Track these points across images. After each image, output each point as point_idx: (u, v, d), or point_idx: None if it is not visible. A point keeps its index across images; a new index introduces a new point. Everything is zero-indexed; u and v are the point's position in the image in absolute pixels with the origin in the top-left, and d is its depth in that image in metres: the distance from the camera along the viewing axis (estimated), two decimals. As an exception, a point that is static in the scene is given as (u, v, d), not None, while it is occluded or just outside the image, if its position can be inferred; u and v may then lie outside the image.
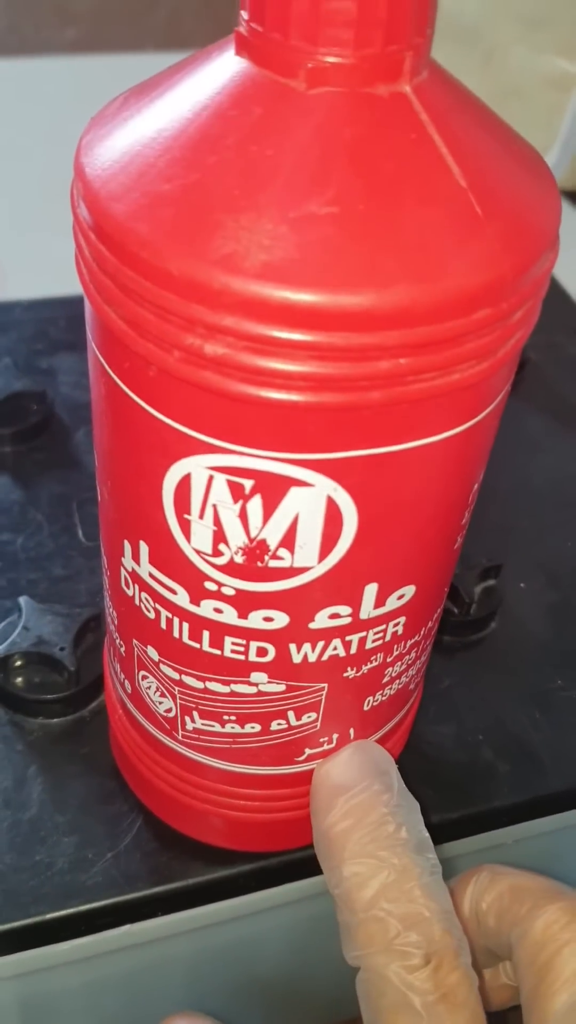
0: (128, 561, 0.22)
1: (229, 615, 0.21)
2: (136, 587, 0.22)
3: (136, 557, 0.21)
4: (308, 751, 0.24)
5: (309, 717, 0.23)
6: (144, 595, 0.22)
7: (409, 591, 0.21)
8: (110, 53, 0.84)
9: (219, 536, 0.19)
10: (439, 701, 0.33)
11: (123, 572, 0.22)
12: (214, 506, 0.19)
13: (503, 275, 0.16)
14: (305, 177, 0.16)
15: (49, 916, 0.27)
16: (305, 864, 0.29)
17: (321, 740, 0.24)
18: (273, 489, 0.18)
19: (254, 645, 0.21)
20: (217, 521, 0.19)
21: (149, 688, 0.24)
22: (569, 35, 0.73)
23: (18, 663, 0.31)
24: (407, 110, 0.16)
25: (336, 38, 0.15)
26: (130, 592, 0.22)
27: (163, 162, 0.16)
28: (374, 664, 0.23)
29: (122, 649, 0.25)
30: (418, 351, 0.16)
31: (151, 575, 0.21)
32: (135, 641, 0.23)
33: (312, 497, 0.18)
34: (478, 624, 0.35)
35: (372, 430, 0.17)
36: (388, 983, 0.21)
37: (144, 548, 0.21)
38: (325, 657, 0.22)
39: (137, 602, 0.22)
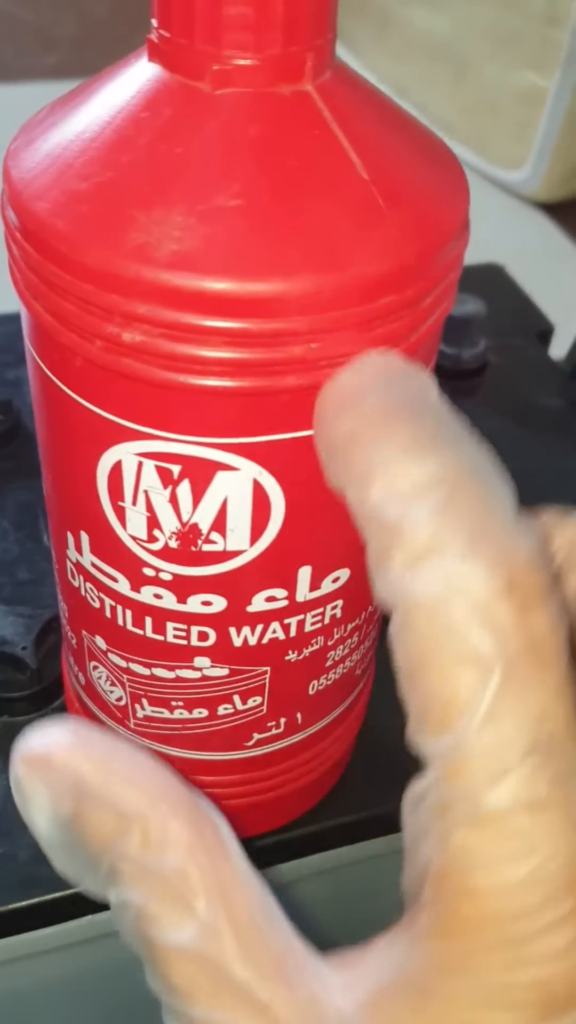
0: (72, 552, 0.22)
1: (168, 600, 0.21)
2: (81, 577, 0.23)
3: (79, 547, 0.22)
4: (256, 735, 0.25)
5: (255, 701, 0.24)
6: (88, 585, 0.23)
7: (344, 574, 0.22)
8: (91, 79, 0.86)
9: (152, 522, 0.20)
10: (394, 694, 0.34)
11: (68, 564, 0.23)
12: (145, 492, 0.19)
13: (405, 262, 0.17)
14: (212, 172, 0.16)
15: (12, 906, 0.28)
16: (264, 852, 0.29)
17: (269, 724, 0.25)
18: (200, 474, 0.19)
19: (195, 630, 0.22)
20: (149, 507, 0.20)
21: (100, 678, 0.25)
22: (539, 50, 0.74)
23: (-18, 664, 0.32)
24: (310, 108, 0.17)
25: (238, 41, 0.16)
26: (76, 583, 0.23)
27: (81, 162, 0.17)
28: (315, 647, 0.23)
29: (73, 641, 0.25)
30: (328, 336, 0.17)
31: (93, 564, 0.22)
32: (84, 632, 0.24)
33: (238, 481, 0.19)
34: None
35: (291, 414, 0.18)
36: (449, 622, 0.15)
37: (85, 538, 0.22)
38: (265, 640, 0.22)
39: (83, 592, 0.23)
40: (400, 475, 0.15)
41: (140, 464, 0.19)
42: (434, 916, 0.15)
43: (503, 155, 0.79)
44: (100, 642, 0.24)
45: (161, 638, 0.22)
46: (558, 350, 0.48)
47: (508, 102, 0.78)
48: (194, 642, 0.22)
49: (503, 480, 0.16)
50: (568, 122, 0.74)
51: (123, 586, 0.22)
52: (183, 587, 0.21)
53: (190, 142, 0.17)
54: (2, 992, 0.31)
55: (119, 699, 0.25)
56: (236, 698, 0.24)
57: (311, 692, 0.25)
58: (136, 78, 0.18)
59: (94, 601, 0.23)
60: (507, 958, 0.14)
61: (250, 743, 0.25)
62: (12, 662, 0.32)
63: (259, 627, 0.22)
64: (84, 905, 0.29)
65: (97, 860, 0.16)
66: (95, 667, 0.25)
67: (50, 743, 0.17)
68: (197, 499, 0.19)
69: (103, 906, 0.29)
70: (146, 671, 0.23)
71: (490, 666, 0.14)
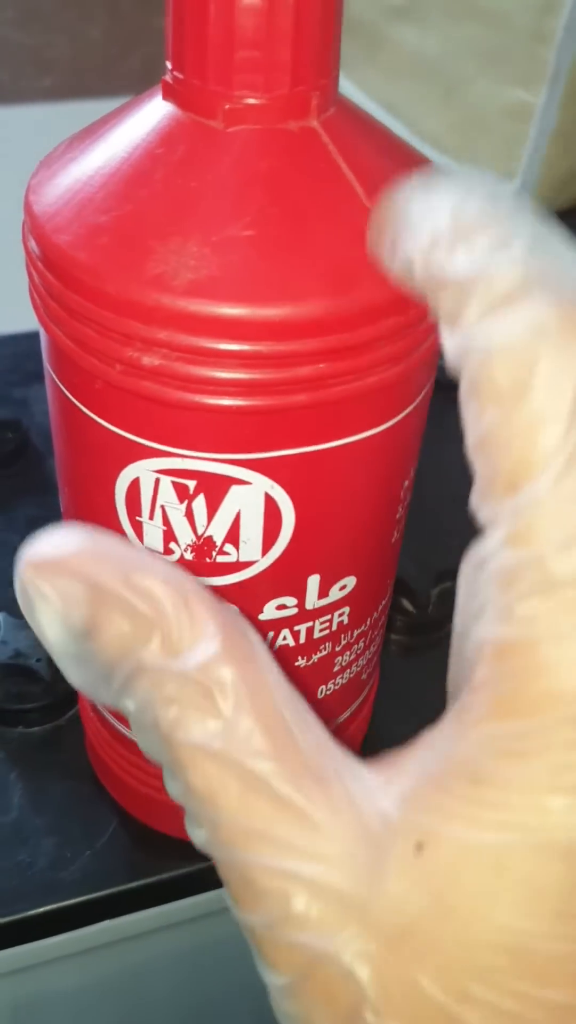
0: None
1: None
2: None
3: None
4: None
5: None
6: None
7: (351, 582, 0.23)
8: (86, 100, 0.87)
9: (169, 535, 0.21)
10: (399, 700, 0.34)
11: None
12: (162, 507, 0.20)
13: None
14: (225, 205, 0.18)
15: (31, 912, 0.29)
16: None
17: None
18: (215, 488, 0.20)
19: None
20: (166, 521, 0.21)
21: None
22: (526, 67, 0.75)
23: (-3, 676, 0.33)
24: (316, 142, 0.18)
25: (248, 82, 0.18)
26: None
27: (100, 196, 0.18)
28: (323, 653, 0.24)
29: None
30: (335, 356, 0.18)
31: None
32: None
33: (251, 494, 0.20)
34: (437, 624, 0.36)
35: (300, 430, 0.19)
36: (532, 374, 0.14)
37: None
38: (276, 647, 0.23)
39: None
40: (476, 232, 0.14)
41: (157, 480, 0.20)
42: (493, 696, 0.14)
43: (492, 169, 0.80)
44: None
45: None
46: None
47: (496, 118, 0.79)
48: None
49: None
50: (556, 137, 0.75)
51: None
52: (198, 597, 0.22)
53: (204, 176, 0.18)
54: (21, 997, 0.32)
55: None
56: None
57: (319, 696, 0.25)
58: (151, 116, 0.19)
59: None
60: None
61: None
62: (26, 674, 0.33)
63: (270, 634, 0.23)
64: (100, 911, 0.30)
65: (114, 668, 0.15)
66: None
67: (61, 547, 0.16)
68: (212, 512, 0.20)
69: (118, 911, 0.30)
70: None
71: (573, 421, 0.13)
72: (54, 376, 0.21)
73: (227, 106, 0.18)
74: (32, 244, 0.19)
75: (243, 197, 0.18)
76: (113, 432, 0.20)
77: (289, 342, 0.18)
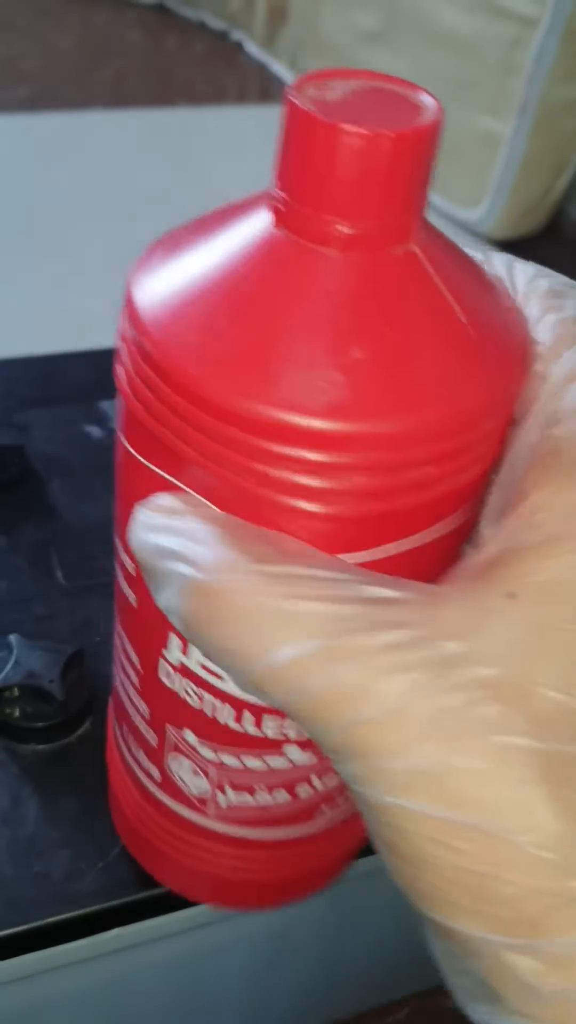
0: (174, 654, 0.24)
1: None
2: (180, 677, 0.24)
3: (185, 649, 0.23)
4: (325, 808, 0.27)
5: (330, 779, 0.26)
6: (189, 683, 0.24)
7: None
8: (60, 111, 0.86)
9: None
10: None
11: (164, 665, 0.24)
12: None
13: (501, 392, 0.20)
14: (346, 327, 0.19)
15: (49, 920, 0.30)
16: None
17: (338, 799, 0.27)
18: None
19: (291, 722, 0.23)
20: None
21: (180, 769, 0.26)
22: (496, 96, 0.77)
23: (11, 695, 0.34)
24: (417, 265, 0.20)
25: (363, 213, 0.19)
26: (171, 683, 0.24)
27: (223, 323, 0.19)
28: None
29: (153, 741, 0.27)
30: (443, 460, 0.20)
31: (201, 665, 0.23)
32: (169, 727, 0.25)
33: None
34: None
35: (404, 524, 0.21)
36: None
37: None
38: None
39: (182, 693, 0.24)
40: None
41: None
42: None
43: (461, 194, 0.82)
44: (190, 736, 0.25)
45: (258, 732, 0.24)
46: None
47: (466, 145, 0.80)
48: (290, 734, 0.24)
49: None
50: (523, 165, 0.77)
51: (229, 685, 0.23)
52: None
53: (321, 301, 0.19)
54: (39, 1002, 0.33)
55: (201, 789, 0.26)
56: (314, 778, 0.26)
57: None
58: (264, 241, 0.20)
59: (192, 698, 0.24)
60: None
61: (318, 815, 0.27)
62: (39, 694, 0.34)
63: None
64: (112, 919, 0.32)
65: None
66: (176, 759, 0.26)
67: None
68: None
69: (128, 919, 0.32)
70: (237, 762, 0.25)
71: None
72: (148, 464, 0.21)
73: (341, 234, 0.19)
74: (132, 334, 0.20)
75: (361, 320, 0.19)
76: None
77: (406, 450, 0.19)
